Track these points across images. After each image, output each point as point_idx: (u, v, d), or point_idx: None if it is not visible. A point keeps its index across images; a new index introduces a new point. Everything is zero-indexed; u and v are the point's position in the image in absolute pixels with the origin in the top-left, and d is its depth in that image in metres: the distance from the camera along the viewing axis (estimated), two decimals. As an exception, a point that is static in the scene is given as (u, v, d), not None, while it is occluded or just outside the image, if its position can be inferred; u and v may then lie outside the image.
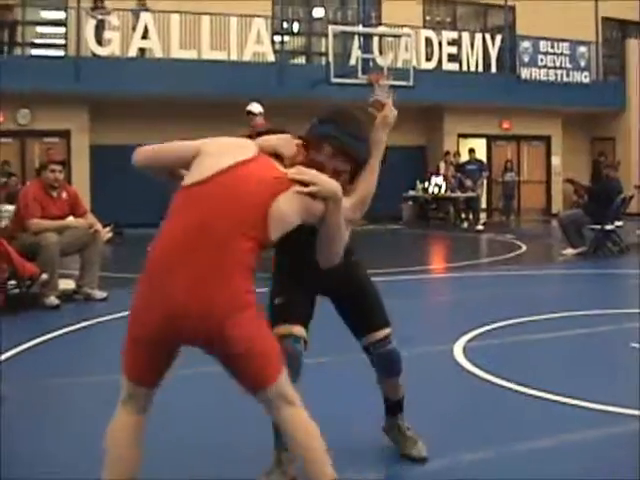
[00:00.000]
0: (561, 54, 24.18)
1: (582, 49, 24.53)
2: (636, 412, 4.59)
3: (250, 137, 3.27)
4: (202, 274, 2.82)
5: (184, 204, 2.98)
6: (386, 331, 3.76)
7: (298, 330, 3.57)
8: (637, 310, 7.96)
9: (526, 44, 23.75)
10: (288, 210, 2.95)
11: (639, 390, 5.07)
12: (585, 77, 24.48)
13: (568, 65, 24.24)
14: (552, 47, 24.04)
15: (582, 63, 24.52)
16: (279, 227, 2.96)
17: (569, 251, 13.58)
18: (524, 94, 23.11)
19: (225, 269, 2.84)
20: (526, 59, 23.66)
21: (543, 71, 23.86)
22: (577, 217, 13.86)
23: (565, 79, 24.13)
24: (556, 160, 25.37)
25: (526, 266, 12.79)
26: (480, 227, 20.17)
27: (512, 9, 24.88)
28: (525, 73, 23.57)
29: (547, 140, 25.42)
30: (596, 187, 14.85)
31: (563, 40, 24.13)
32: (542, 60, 23.87)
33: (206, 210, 2.91)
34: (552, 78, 23.91)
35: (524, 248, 15.20)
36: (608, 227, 13.62)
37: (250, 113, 11.04)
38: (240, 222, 2.89)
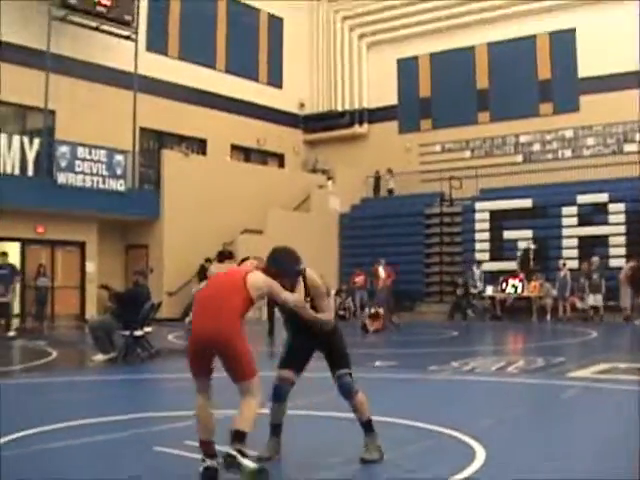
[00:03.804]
0: (98, 161, 24.53)
1: (119, 157, 25.14)
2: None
3: None
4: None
5: None
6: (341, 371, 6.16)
7: (285, 373, 6.23)
8: (160, 414, 8.12)
9: (64, 149, 23.78)
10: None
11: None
12: (121, 185, 25.05)
13: (105, 172, 24.66)
14: (89, 153, 24.32)
15: (118, 171, 25.10)
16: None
17: (99, 357, 13.57)
18: (60, 199, 23.04)
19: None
20: (63, 164, 23.67)
21: (80, 177, 24.00)
22: (107, 323, 13.92)
23: (101, 186, 24.48)
24: (91, 266, 25.46)
25: (55, 373, 12.51)
26: (12, 333, 19.51)
27: (52, 113, 24.91)
28: (62, 178, 23.53)
29: (82, 245, 25.45)
30: (124, 293, 15.03)
31: (101, 147, 24.58)
32: (79, 166, 24.03)
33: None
34: (88, 184, 24.13)
35: (55, 354, 14.90)
36: (137, 333, 13.84)
37: None
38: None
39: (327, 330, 6.19)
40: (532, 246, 27.22)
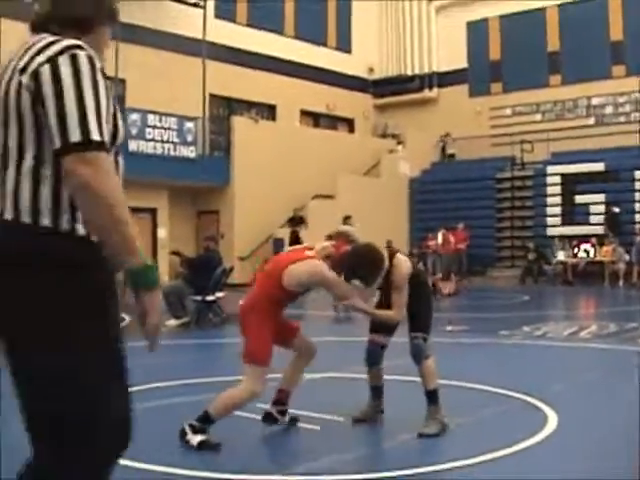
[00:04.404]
0: (169, 128, 24.75)
1: (189, 124, 25.33)
2: (233, 476, 4.72)
3: None
4: None
5: None
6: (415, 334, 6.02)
7: (376, 337, 6.29)
8: (233, 377, 8.24)
9: (134, 117, 24.03)
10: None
11: (236, 454, 5.22)
12: (192, 152, 25.26)
13: (175, 139, 24.88)
14: (160, 121, 24.55)
15: (189, 138, 25.30)
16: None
17: (172, 322, 13.79)
18: (131, 166, 23.22)
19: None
20: (134, 131, 23.93)
21: (151, 144, 24.26)
22: (179, 288, 14.13)
23: (172, 153, 24.72)
24: (162, 232, 25.79)
25: (129, 337, 12.73)
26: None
27: (122, 82, 25.17)
28: (133, 146, 23.81)
29: (153, 212, 25.77)
30: (195, 259, 15.24)
31: (171, 115, 24.79)
32: (150, 133, 24.28)
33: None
34: (159, 151, 24.39)
35: (128, 320, 15.13)
36: (209, 298, 14.03)
37: None
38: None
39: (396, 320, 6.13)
40: (616, 209, 26.78)
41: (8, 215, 2.55)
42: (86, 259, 2.57)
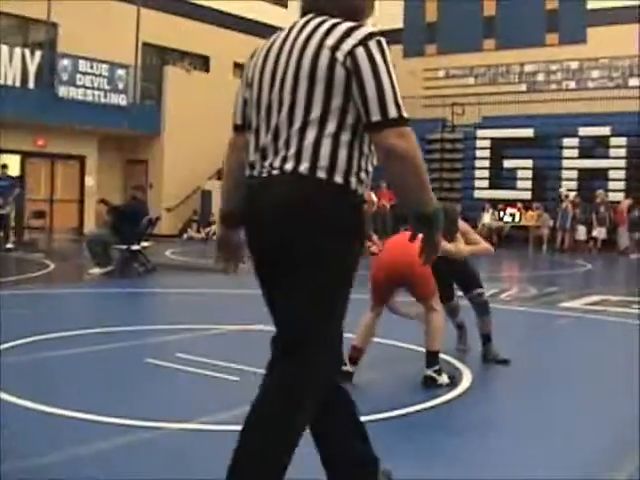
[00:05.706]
0: (100, 75, 24.38)
1: (121, 72, 24.98)
2: (149, 423, 4.77)
3: None
4: None
5: None
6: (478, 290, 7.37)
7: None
8: (154, 327, 8.27)
9: (65, 62, 23.61)
10: None
11: (152, 402, 5.26)
12: (122, 100, 24.94)
13: (106, 86, 24.53)
14: (91, 67, 24.16)
15: (120, 85, 24.96)
16: None
17: (96, 270, 13.70)
18: (61, 112, 22.94)
19: None
20: (65, 77, 23.52)
21: (81, 90, 23.88)
22: (104, 237, 14.02)
23: (103, 100, 24.37)
24: (90, 180, 25.48)
25: (51, 284, 12.66)
26: (10, 245, 19.59)
27: (55, 26, 24.65)
28: (63, 91, 23.41)
29: (82, 160, 25.43)
30: (121, 207, 15.07)
31: (103, 61, 24.38)
32: (80, 79, 23.89)
33: None
34: (89, 98, 24.01)
35: (52, 267, 15.04)
36: (134, 247, 13.95)
37: None
38: None
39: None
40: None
41: (303, 168, 2.89)
42: (361, 221, 3.01)
